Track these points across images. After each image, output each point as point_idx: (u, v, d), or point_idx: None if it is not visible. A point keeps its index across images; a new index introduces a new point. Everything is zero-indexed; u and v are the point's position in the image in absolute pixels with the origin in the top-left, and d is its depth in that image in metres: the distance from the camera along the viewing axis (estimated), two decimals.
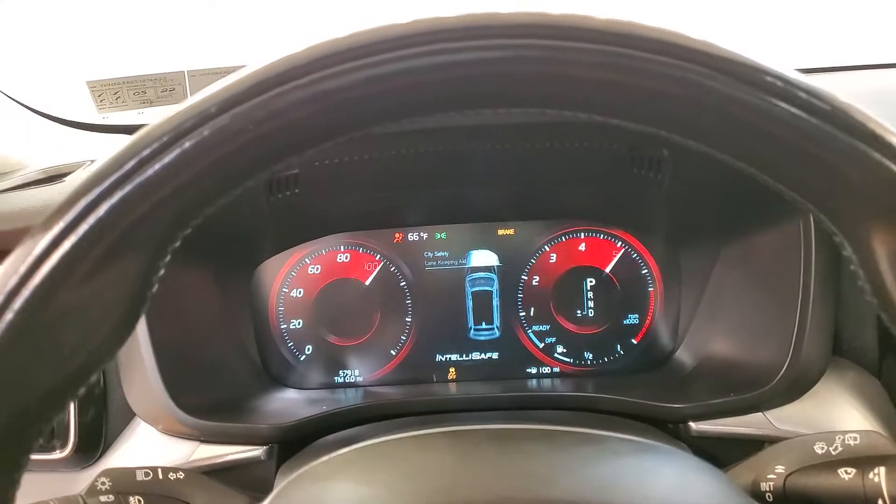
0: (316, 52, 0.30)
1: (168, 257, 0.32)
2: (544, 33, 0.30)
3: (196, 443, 0.77)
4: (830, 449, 0.60)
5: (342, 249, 0.97)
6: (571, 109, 0.31)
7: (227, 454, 0.76)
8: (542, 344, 0.98)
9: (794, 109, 0.28)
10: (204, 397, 0.81)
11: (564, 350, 0.98)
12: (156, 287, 0.33)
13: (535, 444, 0.58)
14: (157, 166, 0.30)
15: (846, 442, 0.60)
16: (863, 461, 0.56)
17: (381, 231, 0.98)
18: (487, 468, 0.53)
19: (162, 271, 0.32)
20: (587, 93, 0.31)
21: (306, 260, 0.97)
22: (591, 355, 0.98)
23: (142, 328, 0.75)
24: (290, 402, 0.91)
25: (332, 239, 0.97)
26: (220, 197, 0.33)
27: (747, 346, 0.83)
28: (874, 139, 0.28)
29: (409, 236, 0.99)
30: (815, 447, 0.61)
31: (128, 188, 0.30)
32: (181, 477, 0.65)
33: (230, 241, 0.90)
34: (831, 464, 0.59)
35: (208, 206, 0.32)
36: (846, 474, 0.56)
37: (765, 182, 0.31)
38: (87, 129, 0.95)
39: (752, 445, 0.72)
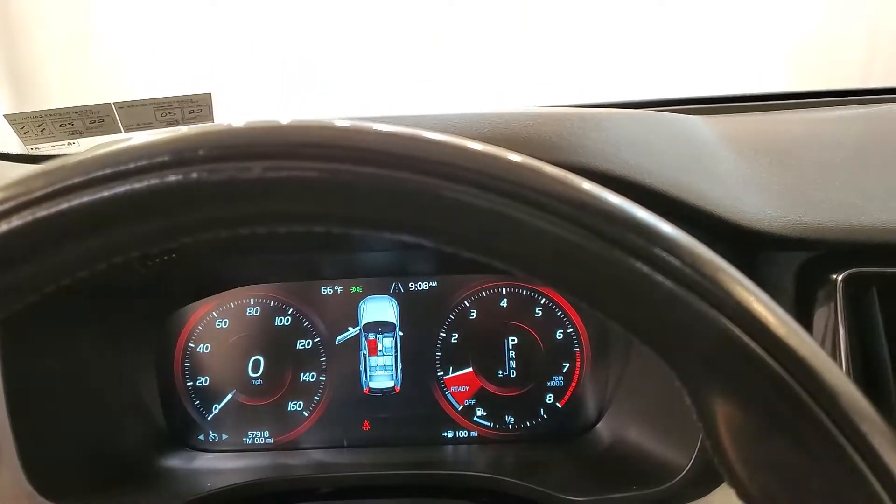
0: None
1: None
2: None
3: None
4: None
5: (252, 303, 0.89)
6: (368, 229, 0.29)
7: None
8: (462, 406, 0.90)
9: (643, 267, 0.26)
10: (82, 474, 0.71)
11: (485, 413, 0.91)
12: None
13: None
14: None
15: None
16: None
17: (293, 284, 0.90)
18: None
19: None
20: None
21: (214, 313, 0.89)
22: (512, 419, 0.91)
23: None
24: (190, 473, 0.81)
25: (242, 291, 0.89)
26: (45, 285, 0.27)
27: (659, 428, 0.75)
28: (730, 307, 0.26)
29: (322, 290, 0.91)
30: None
31: None
32: None
33: (123, 298, 0.81)
34: None
35: (35, 292, 0.27)
36: None
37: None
38: (15, 161, 0.84)
39: None
